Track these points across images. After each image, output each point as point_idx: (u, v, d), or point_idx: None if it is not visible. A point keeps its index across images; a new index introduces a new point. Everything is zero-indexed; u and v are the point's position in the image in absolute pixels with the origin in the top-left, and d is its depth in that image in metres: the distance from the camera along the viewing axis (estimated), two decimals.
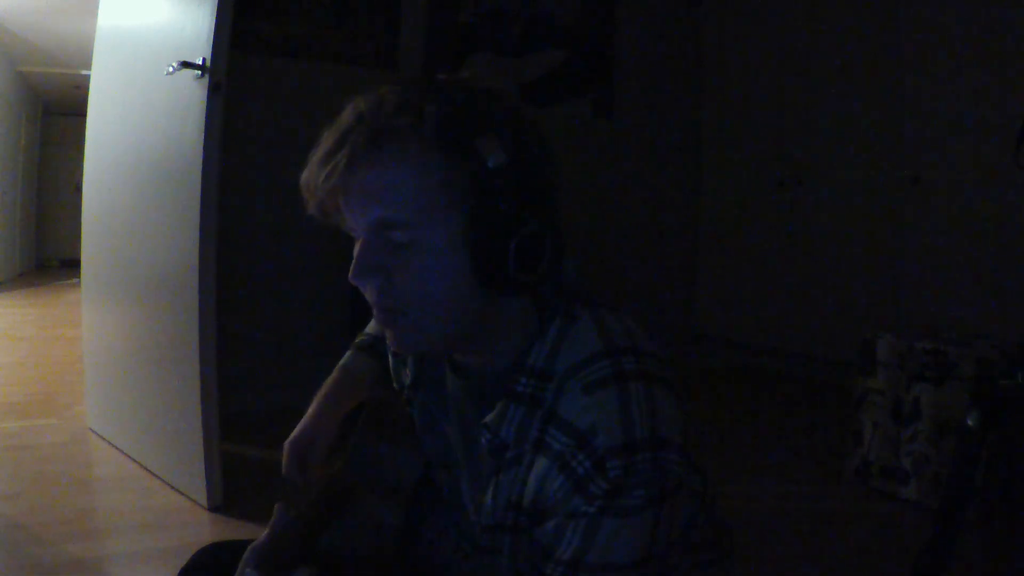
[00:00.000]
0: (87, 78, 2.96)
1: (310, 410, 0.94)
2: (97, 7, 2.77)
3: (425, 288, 0.68)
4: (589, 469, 0.65)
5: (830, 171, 3.92)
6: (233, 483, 2.18)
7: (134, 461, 2.47)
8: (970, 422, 1.37)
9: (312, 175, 0.69)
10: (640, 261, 4.44)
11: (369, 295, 0.71)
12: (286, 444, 0.92)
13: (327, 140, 0.68)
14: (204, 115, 2.05)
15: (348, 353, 1.00)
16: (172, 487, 2.25)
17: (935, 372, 2.26)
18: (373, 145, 0.66)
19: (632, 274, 4.38)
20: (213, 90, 2.04)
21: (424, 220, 0.67)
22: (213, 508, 2.10)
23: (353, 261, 0.69)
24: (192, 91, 2.10)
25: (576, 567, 0.66)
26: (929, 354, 2.28)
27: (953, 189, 3.37)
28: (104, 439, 2.69)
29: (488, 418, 0.72)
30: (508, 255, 0.66)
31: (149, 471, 2.38)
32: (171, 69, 2.12)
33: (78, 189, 3.22)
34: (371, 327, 1.02)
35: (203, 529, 2.01)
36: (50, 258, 10.36)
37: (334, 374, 0.98)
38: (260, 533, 0.79)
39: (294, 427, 0.94)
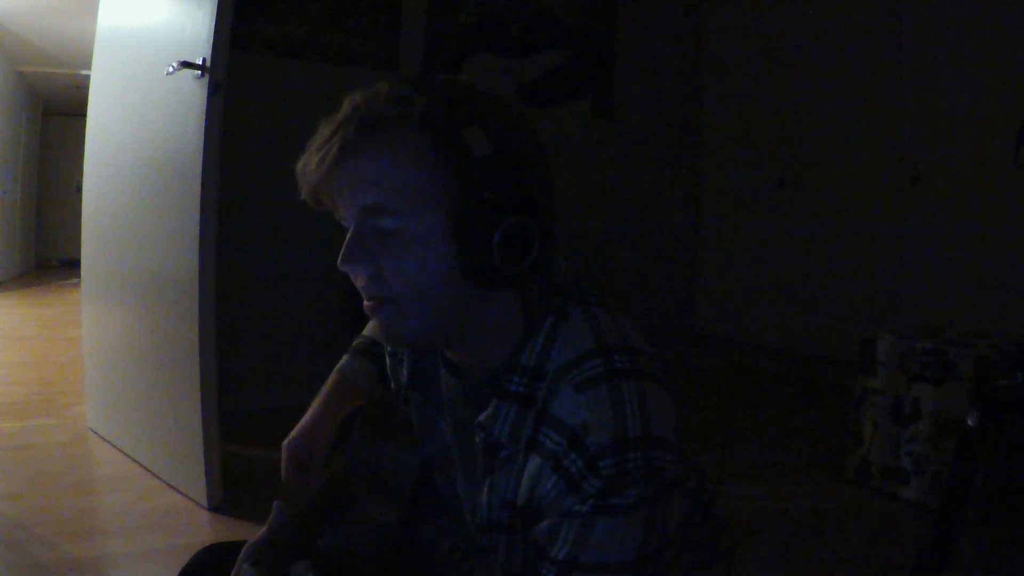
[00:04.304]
0: (87, 78, 2.96)
1: (307, 413, 0.95)
2: (97, 7, 2.77)
3: (412, 277, 0.69)
4: (582, 468, 0.65)
5: (830, 171, 3.92)
6: (233, 483, 2.18)
7: (134, 461, 2.47)
8: (970, 422, 1.37)
9: (306, 162, 0.71)
10: (640, 261, 4.44)
11: (358, 283, 0.73)
12: (284, 446, 0.92)
13: (323, 130, 0.71)
14: (204, 115, 2.05)
15: (345, 357, 1.00)
16: (172, 487, 2.25)
17: (935, 372, 2.26)
18: (363, 134, 0.68)
19: (632, 274, 4.38)
20: (213, 90, 2.05)
21: (411, 208, 0.68)
22: (213, 508, 2.11)
23: (342, 247, 0.71)
24: (192, 91, 2.10)
25: (571, 568, 0.65)
26: (929, 354, 2.28)
27: (953, 189, 3.37)
28: (104, 439, 2.70)
29: (482, 417, 0.72)
30: (492, 246, 0.67)
31: (149, 471, 2.38)
32: (171, 69, 2.12)
33: (78, 189, 3.22)
34: (368, 330, 1.02)
35: (203, 529, 2.02)
36: (50, 258, 10.36)
37: (331, 378, 0.98)
38: (260, 532, 0.79)
39: (294, 427, 0.94)
